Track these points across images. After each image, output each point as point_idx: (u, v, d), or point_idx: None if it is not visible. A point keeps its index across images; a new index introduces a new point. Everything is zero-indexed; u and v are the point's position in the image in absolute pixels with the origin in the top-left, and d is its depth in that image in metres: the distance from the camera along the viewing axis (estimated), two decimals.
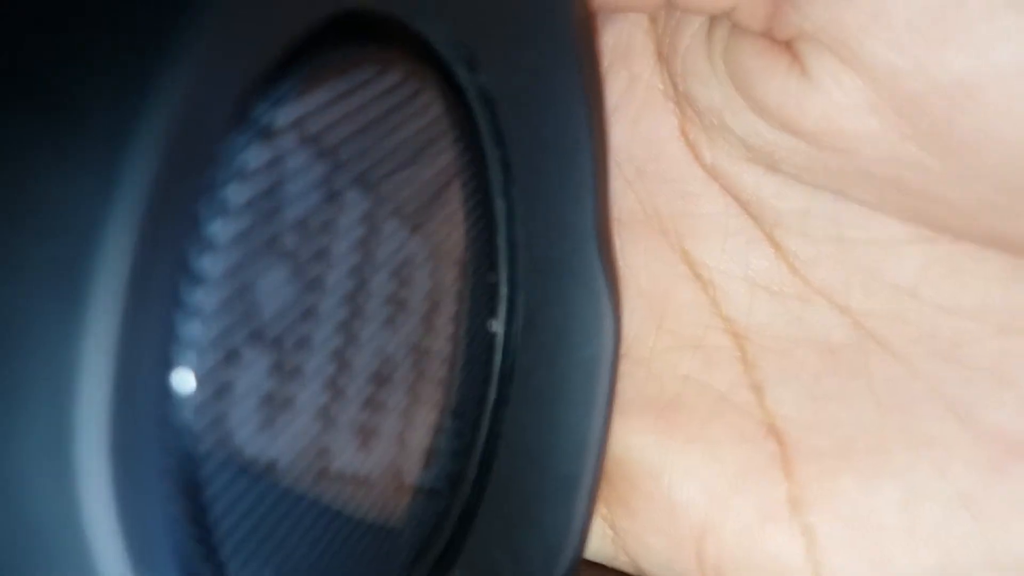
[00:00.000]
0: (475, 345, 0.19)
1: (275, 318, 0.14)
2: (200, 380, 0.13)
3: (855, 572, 0.19)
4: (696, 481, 0.20)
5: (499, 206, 0.19)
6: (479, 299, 0.19)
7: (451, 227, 0.18)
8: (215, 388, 0.13)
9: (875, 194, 0.18)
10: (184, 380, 0.13)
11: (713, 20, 0.19)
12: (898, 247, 0.19)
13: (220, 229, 0.13)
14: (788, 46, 0.18)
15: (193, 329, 0.13)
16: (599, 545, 0.21)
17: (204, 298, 0.13)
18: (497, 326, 0.20)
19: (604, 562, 0.21)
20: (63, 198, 0.11)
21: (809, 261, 0.19)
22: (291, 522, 0.15)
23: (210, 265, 0.13)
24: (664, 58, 0.19)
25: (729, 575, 0.20)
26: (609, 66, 0.20)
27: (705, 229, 0.20)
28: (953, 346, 0.19)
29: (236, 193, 0.13)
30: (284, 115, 0.14)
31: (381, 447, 0.17)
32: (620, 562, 0.21)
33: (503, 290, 0.19)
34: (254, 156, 0.13)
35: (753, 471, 0.19)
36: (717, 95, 0.19)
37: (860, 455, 0.19)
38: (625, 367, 0.20)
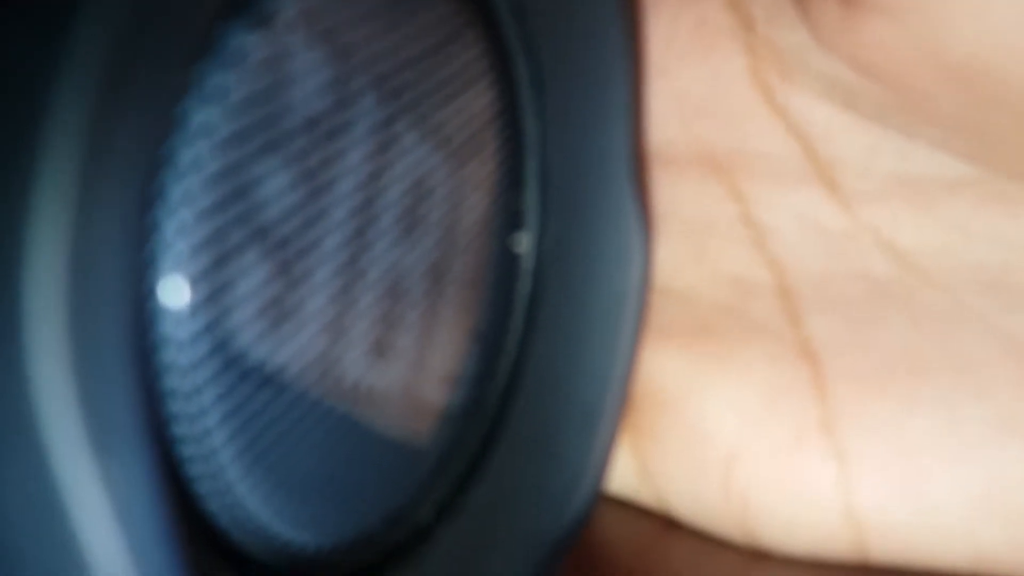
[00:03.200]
0: (501, 270, 0.19)
1: (276, 219, 0.14)
2: (183, 281, 0.12)
3: (888, 496, 0.19)
4: (725, 404, 0.19)
5: (531, 127, 0.19)
6: (507, 223, 0.19)
7: (476, 144, 0.17)
8: (202, 292, 0.13)
9: (941, 134, 0.18)
10: (167, 284, 0.12)
11: None
12: (956, 185, 0.19)
13: (211, 118, 0.13)
14: None
15: (174, 225, 0.12)
16: (623, 476, 0.20)
17: (189, 191, 0.12)
18: (524, 252, 0.19)
19: (628, 494, 0.20)
20: (12, 53, 0.10)
21: (863, 198, 0.19)
22: (297, 436, 0.15)
23: (196, 157, 0.12)
24: (737, 4, 0.19)
25: (755, 502, 0.19)
26: (677, 8, 0.20)
27: (761, 167, 0.20)
28: (999, 276, 0.19)
29: (229, 81, 0.13)
30: (290, 3, 0.13)
31: (398, 365, 0.17)
32: (643, 495, 0.20)
33: (533, 216, 0.19)
34: (253, 44, 0.13)
35: (785, 393, 0.19)
36: (801, 37, 0.19)
37: (898, 378, 0.19)
38: (659, 298, 0.20)
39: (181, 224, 0.13)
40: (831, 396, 0.19)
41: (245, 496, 0.14)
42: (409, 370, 0.17)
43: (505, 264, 0.19)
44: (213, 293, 0.13)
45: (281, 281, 0.14)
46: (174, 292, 0.13)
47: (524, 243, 0.19)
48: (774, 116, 0.19)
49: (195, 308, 0.13)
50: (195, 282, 0.13)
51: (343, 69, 0.14)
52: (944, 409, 0.19)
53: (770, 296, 0.20)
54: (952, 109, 0.18)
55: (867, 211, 0.19)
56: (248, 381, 0.14)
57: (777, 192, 0.20)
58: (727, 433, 0.19)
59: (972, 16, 0.16)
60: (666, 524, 0.20)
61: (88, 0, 0.11)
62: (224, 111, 0.13)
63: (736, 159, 0.20)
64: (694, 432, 0.20)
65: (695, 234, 0.20)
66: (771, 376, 0.19)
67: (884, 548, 0.19)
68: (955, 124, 0.18)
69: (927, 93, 0.17)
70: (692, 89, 0.20)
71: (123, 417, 0.11)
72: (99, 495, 0.11)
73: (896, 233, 0.19)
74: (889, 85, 0.18)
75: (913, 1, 0.16)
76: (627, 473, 0.20)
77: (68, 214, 0.11)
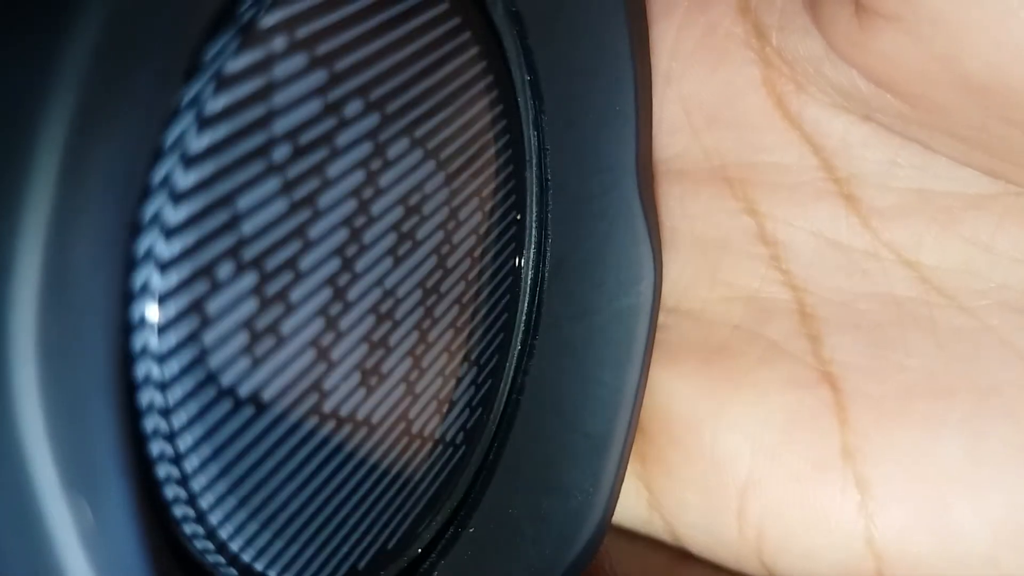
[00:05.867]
0: (498, 290, 0.18)
1: (256, 237, 0.13)
2: (161, 299, 0.12)
3: (912, 525, 0.18)
4: (741, 431, 0.18)
5: (529, 138, 0.18)
6: (504, 239, 0.18)
7: (472, 157, 0.17)
8: (178, 309, 0.12)
9: (960, 147, 0.18)
10: (145, 301, 0.12)
11: None
12: (979, 201, 0.18)
13: (197, 139, 0.12)
14: None
15: (155, 242, 0.12)
16: (633, 506, 0.19)
17: (172, 210, 0.12)
18: (524, 270, 0.18)
19: (637, 526, 0.20)
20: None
21: (883, 214, 0.19)
22: (277, 464, 0.14)
23: (179, 178, 0.12)
24: (749, 10, 0.19)
25: (772, 533, 0.18)
26: (686, 14, 0.19)
27: (775, 179, 0.19)
28: (1022, 296, 0.18)
29: (214, 98, 0.12)
30: (274, 17, 0.13)
31: (385, 389, 0.16)
32: (655, 526, 0.19)
33: (532, 231, 0.18)
34: (237, 60, 0.12)
35: (804, 419, 0.18)
36: (816, 46, 0.18)
37: (921, 402, 0.18)
38: (672, 318, 0.19)
39: (163, 245, 0.12)
40: (852, 422, 0.18)
41: (218, 523, 0.13)
42: (400, 396, 0.16)
43: (504, 284, 0.18)
44: (191, 310, 0.12)
45: (267, 303, 0.13)
46: (152, 309, 0.12)
47: (524, 261, 0.18)
48: (789, 127, 0.19)
49: (172, 325, 0.12)
50: (174, 300, 0.12)
51: (339, 92, 0.14)
52: (967, 434, 0.18)
53: (788, 316, 0.19)
54: (969, 122, 0.17)
55: (888, 228, 0.19)
56: (225, 402, 0.13)
57: (794, 207, 0.19)
58: (741, 462, 0.18)
59: (988, 28, 0.15)
60: (679, 556, 0.19)
61: (73, 22, 0.10)
62: (211, 132, 0.12)
63: (750, 172, 0.19)
64: (707, 460, 0.19)
65: (708, 251, 0.19)
66: (789, 401, 0.18)
67: None
68: (973, 137, 0.17)
69: (943, 106, 0.17)
70: (703, 99, 0.19)
71: (100, 441, 0.11)
72: (74, 516, 0.11)
73: (918, 251, 0.18)
74: (904, 97, 0.17)
75: (928, 12, 0.16)
76: (637, 503, 0.19)
77: (47, 233, 0.10)
